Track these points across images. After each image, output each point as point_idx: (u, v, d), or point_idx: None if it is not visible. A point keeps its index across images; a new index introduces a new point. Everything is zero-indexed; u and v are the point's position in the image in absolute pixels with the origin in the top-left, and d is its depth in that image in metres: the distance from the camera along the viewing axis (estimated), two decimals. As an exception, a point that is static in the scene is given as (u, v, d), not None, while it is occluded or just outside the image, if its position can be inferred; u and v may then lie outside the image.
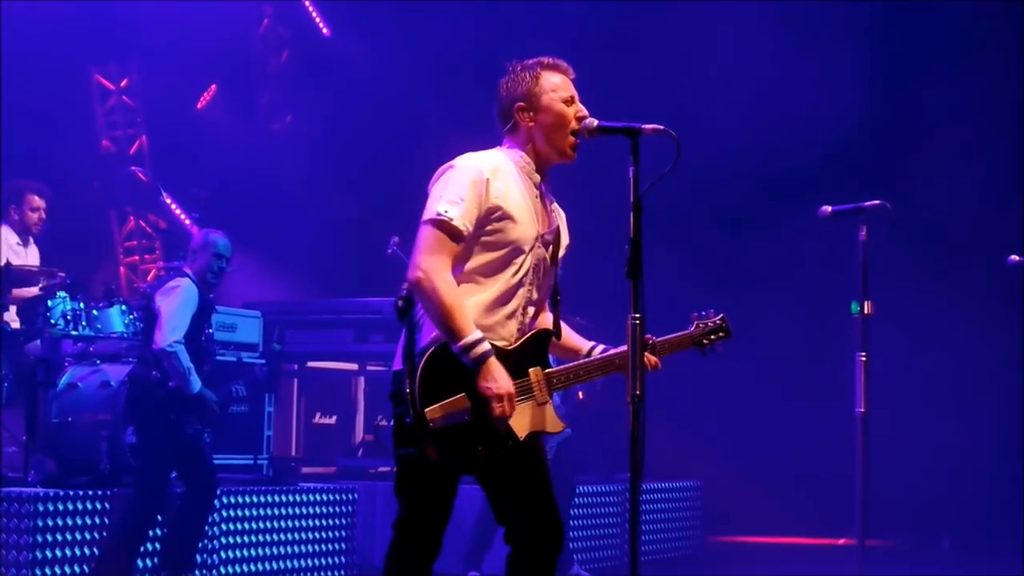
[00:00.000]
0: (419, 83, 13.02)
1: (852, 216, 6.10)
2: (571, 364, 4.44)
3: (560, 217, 4.57)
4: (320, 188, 12.98)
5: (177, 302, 7.53)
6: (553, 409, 4.37)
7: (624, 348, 4.30)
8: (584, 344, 4.60)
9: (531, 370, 4.32)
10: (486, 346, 4.15)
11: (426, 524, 4.29)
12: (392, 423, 4.26)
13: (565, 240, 4.57)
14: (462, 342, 4.12)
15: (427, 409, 4.09)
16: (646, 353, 4.43)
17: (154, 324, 7.51)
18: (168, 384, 7.46)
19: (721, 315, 4.68)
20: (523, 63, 4.46)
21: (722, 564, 10.92)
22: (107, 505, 7.59)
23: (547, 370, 4.36)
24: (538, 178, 4.43)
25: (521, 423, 4.25)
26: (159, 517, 7.69)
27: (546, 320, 4.52)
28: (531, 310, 4.41)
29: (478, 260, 4.29)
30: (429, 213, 4.23)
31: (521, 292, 4.36)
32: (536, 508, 4.35)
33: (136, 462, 7.72)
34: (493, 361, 4.16)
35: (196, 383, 7.48)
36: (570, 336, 4.62)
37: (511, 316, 4.34)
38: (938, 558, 11.20)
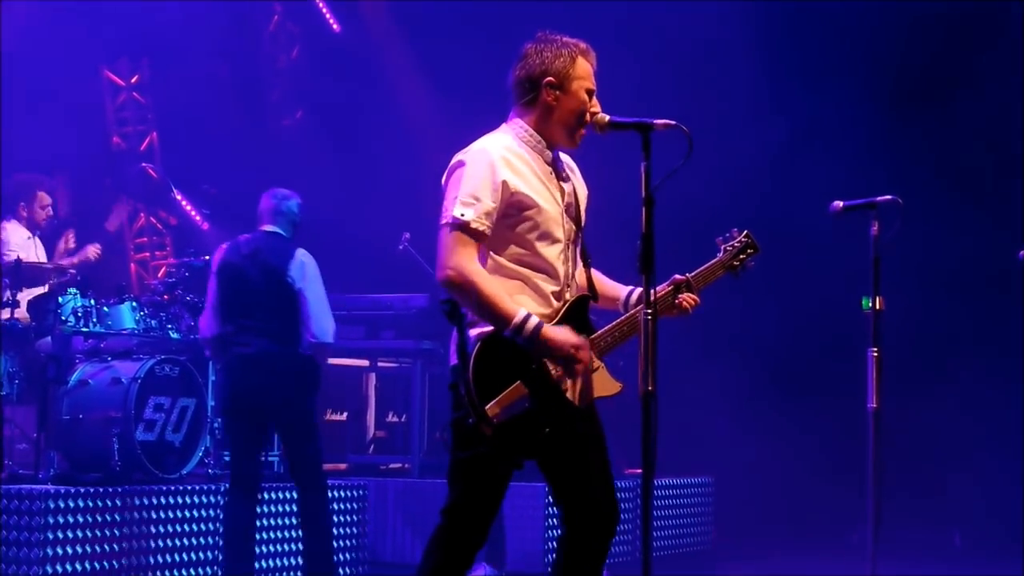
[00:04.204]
0: (429, 79, 12.99)
1: (864, 211, 6.06)
2: (613, 324, 4.40)
3: (573, 174, 4.52)
4: (330, 184, 12.95)
5: (321, 286, 7.53)
6: (606, 372, 4.35)
7: (664, 288, 4.37)
8: (621, 291, 4.56)
9: None
10: (535, 319, 4.14)
11: (478, 515, 4.30)
12: (452, 426, 4.24)
13: (583, 196, 4.52)
14: (512, 324, 4.12)
15: (487, 406, 4.07)
16: (684, 293, 4.47)
17: (295, 304, 7.43)
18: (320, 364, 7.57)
19: (745, 231, 4.70)
20: (561, 38, 4.41)
21: (734, 560, 10.89)
22: (118, 502, 7.58)
23: (592, 335, 4.33)
24: (549, 155, 4.39)
25: (578, 393, 4.24)
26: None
27: (581, 285, 4.48)
28: (574, 284, 4.41)
29: (514, 252, 4.27)
30: (446, 217, 4.20)
31: (564, 271, 4.35)
32: (593, 491, 4.35)
33: (313, 451, 7.67)
34: (548, 328, 4.16)
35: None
36: (606, 288, 4.57)
37: (559, 296, 4.33)
38: (950, 554, 11.17)
